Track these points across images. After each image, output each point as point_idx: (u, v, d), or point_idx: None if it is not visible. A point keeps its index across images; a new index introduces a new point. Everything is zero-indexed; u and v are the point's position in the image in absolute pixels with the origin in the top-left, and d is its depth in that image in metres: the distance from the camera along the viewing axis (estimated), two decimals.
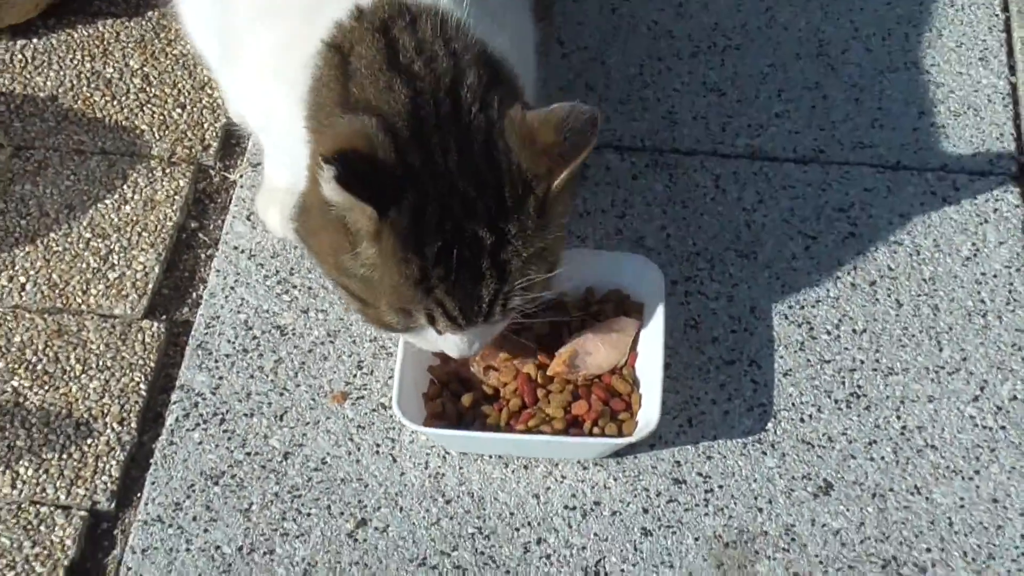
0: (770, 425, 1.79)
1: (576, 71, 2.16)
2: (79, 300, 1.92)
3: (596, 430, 1.74)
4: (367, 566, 1.68)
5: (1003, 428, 1.78)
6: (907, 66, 2.16)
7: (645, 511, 1.72)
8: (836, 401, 1.81)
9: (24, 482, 1.75)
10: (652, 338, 1.79)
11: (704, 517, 1.72)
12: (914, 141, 2.07)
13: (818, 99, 2.12)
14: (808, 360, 1.85)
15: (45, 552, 1.70)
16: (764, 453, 1.77)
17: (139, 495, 1.75)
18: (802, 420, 1.79)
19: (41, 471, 1.76)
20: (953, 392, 1.81)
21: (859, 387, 1.82)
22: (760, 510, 1.72)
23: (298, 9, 1.67)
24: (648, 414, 1.72)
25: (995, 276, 1.92)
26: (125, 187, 2.03)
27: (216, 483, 1.75)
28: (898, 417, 1.79)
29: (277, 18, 1.69)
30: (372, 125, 1.53)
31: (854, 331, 1.87)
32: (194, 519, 1.72)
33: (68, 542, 1.70)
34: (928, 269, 1.93)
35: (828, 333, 1.87)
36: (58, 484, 1.75)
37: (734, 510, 1.72)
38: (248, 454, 1.77)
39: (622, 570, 1.68)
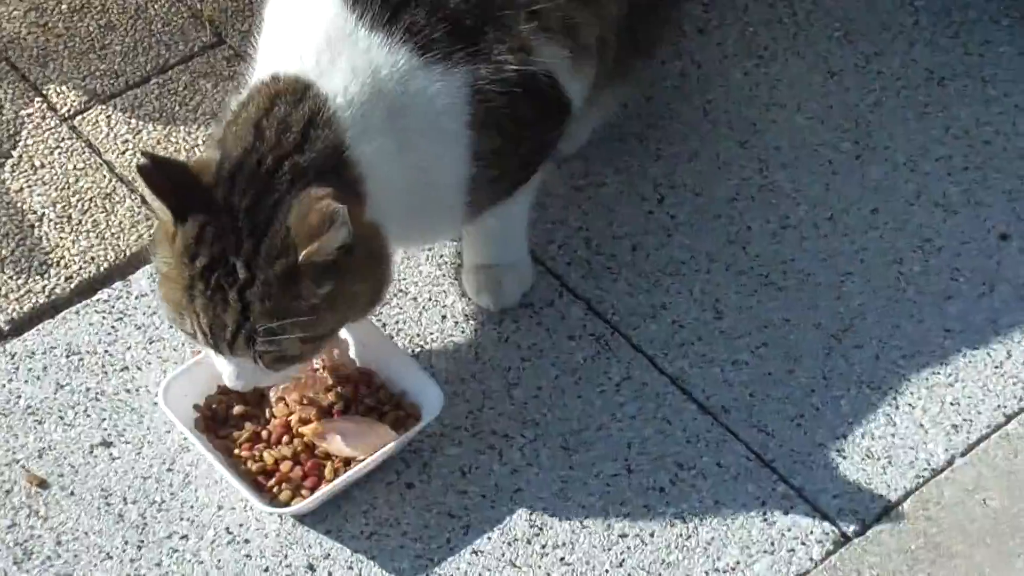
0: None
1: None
2: None
3: (276, 489, 2.04)
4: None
5: None
6: (894, 394, 2.15)
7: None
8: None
9: None
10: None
11: None
12: (815, 458, 2.10)
13: (815, 386, 2.18)
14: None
15: None
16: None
17: None
18: None
19: None
20: None
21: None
22: None
23: (261, 50, 2.04)
24: (297, 507, 2.01)
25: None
26: None
27: None
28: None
29: (260, 50, 2.06)
30: (213, 159, 1.91)
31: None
32: None
33: None
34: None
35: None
36: None
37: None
38: None
39: None
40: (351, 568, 2.01)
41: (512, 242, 2.23)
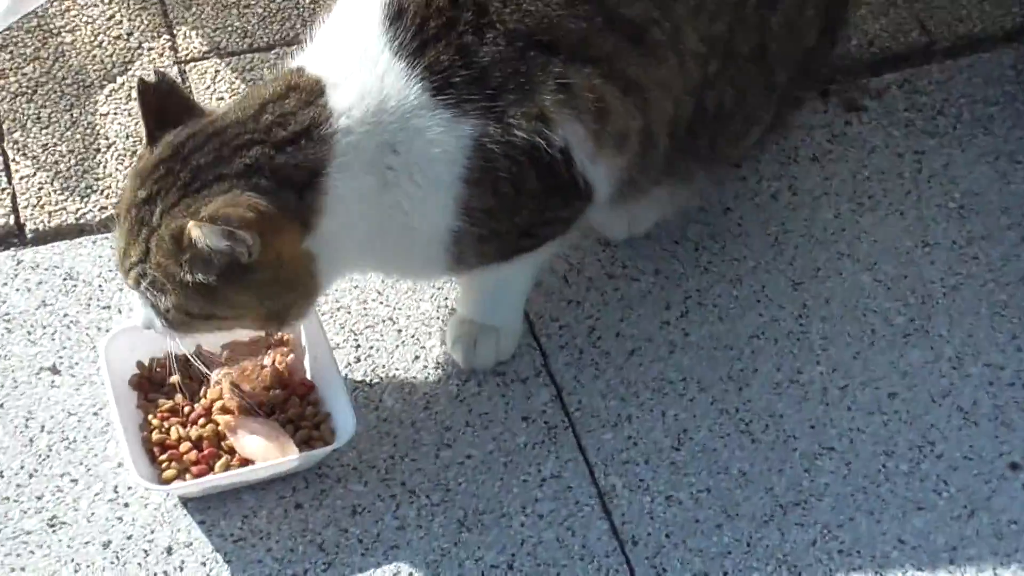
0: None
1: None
2: None
3: (164, 464, 2.05)
4: None
5: None
6: None
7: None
8: None
9: None
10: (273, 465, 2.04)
11: None
12: None
13: None
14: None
15: None
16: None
17: None
18: None
19: None
20: None
21: None
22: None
23: (313, 39, 2.04)
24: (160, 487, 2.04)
25: None
26: None
27: None
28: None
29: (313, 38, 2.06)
30: (216, 113, 1.95)
31: None
32: None
33: None
34: None
35: None
36: None
37: None
38: None
39: None
40: (203, 564, 2.02)
41: (501, 306, 2.17)
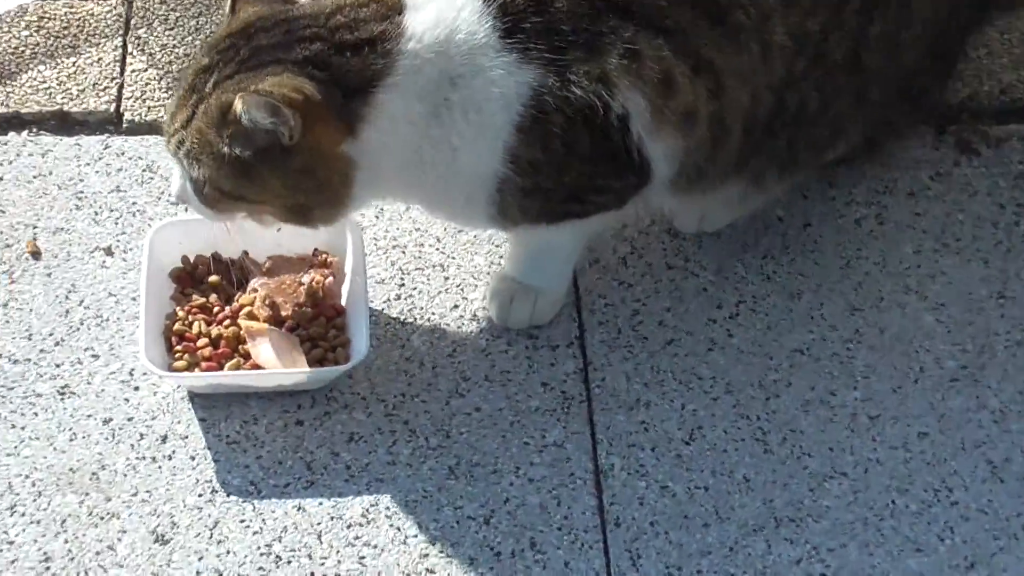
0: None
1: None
2: None
3: (177, 354, 2.09)
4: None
5: None
6: None
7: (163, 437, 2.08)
8: None
9: None
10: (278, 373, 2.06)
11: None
12: None
13: None
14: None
15: None
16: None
17: None
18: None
19: None
20: None
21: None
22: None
23: None
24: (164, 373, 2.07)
25: None
26: None
27: None
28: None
29: None
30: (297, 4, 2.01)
31: None
32: None
33: None
34: None
35: None
36: None
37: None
38: None
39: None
40: (193, 458, 2.04)
41: (543, 269, 2.16)
